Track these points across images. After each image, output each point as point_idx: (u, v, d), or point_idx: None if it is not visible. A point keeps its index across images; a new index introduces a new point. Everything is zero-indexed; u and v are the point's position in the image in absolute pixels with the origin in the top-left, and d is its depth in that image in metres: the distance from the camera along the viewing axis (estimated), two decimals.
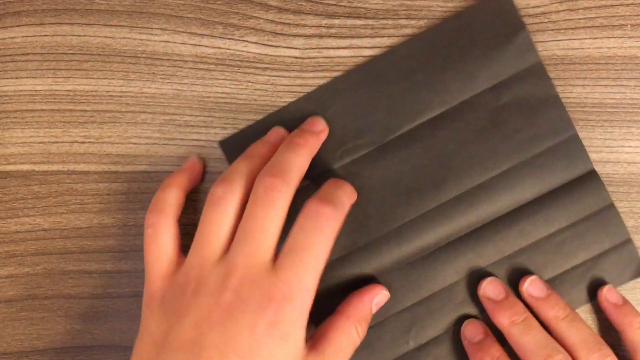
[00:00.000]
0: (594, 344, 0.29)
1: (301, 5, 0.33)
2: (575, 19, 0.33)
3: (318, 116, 0.32)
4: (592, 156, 0.32)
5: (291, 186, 0.28)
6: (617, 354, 0.29)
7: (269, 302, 0.26)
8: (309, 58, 0.33)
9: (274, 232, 0.28)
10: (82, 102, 0.33)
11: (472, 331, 0.31)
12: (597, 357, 0.29)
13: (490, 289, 0.31)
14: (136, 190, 0.33)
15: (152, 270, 0.29)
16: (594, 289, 0.32)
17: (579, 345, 0.29)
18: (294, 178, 0.28)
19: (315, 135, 0.31)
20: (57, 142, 0.33)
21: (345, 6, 0.33)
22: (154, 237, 0.29)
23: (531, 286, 0.31)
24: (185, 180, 0.31)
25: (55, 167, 0.33)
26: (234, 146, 0.32)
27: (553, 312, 0.30)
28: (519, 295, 0.32)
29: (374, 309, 0.31)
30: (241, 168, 0.29)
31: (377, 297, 0.31)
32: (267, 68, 0.33)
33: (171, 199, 0.30)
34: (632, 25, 0.33)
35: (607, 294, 0.31)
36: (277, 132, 0.32)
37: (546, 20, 0.33)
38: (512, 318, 0.30)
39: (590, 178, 0.32)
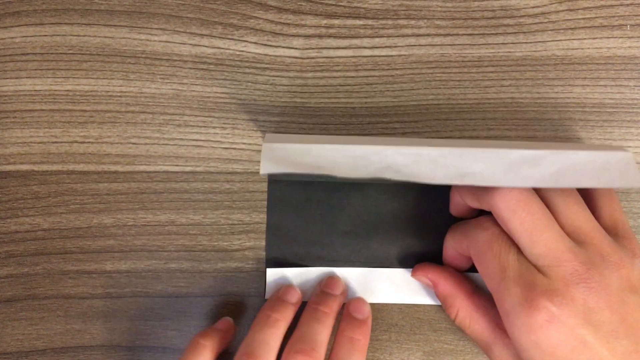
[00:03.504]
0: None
1: (301, 5, 0.33)
2: (574, 19, 0.33)
3: (337, 277, 0.32)
4: None
5: None
6: None
7: None
8: (308, 58, 0.33)
9: None
10: (81, 102, 0.33)
11: None
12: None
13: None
14: (136, 190, 0.33)
15: None
16: None
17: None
18: (322, 353, 0.28)
19: (337, 301, 0.30)
20: (56, 142, 0.33)
21: (345, 6, 0.33)
22: None
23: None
24: (217, 343, 0.30)
25: (54, 167, 0.33)
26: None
27: None
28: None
29: None
30: (267, 339, 0.28)
31: None
32: (266, 68, 0.33)
33: None
34: (632, 25, 0.33)
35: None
36: (294, 292, 0.31)
37: (546, 20, 0.33)
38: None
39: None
